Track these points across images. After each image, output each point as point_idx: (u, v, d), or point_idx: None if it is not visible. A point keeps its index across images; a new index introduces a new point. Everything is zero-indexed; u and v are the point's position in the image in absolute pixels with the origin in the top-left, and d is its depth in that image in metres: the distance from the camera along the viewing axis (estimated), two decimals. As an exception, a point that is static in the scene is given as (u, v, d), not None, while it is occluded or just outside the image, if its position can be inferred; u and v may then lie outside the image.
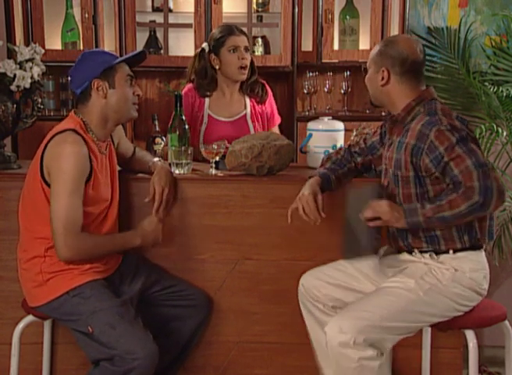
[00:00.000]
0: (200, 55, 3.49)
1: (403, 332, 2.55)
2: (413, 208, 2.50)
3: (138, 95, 2.82)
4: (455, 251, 2.55)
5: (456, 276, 2.53)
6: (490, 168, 2.44)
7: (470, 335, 2.67)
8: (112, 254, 2.83)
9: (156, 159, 2.97)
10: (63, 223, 2.60)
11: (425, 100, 2.61)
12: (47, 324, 2.93)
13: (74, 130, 2.68)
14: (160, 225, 2.84)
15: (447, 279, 2.53)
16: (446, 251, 2.55)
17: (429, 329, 2.88)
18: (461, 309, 2.59)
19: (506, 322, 2.76)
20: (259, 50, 4.32)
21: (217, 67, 3.46)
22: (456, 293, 2.54)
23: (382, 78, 2.63)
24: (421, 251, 2.60)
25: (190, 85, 3.53)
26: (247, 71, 3.47)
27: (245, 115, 3.53)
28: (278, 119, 3.68)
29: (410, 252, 2.63)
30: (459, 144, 2.44)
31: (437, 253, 2.57)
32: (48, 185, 2.66)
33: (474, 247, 2.57)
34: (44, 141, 2.70)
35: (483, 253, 2.61)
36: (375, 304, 2.51)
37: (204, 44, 3.51)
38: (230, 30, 3.47)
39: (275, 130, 3.64)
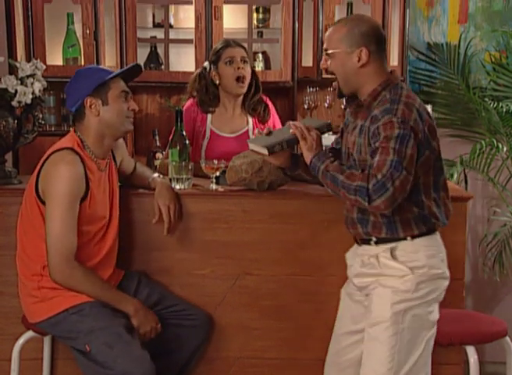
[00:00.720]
0: (201, 74, 3.49)
1: (424, 368, 2.56)
2: (326, 155, 2.51)
3: (133, 110, 2.81)
4: (413, 238, 2.51)
5: (416, 277, 2.48)
6: (403, 176, 2.33)
7: (471, 351, 2.66)
8: (113, 269, 2.83)
9: (155, 175, 2.97)
10: (56, 246, 2.60)
11: (391, 85, 2.51)
12: (47, 340, 2.92)
13: (72, 149, 2.68)
14: (157, 322, 2.76)
15: (409, 288, 2.48)
16: (404, 238, 2.51)
17: (430, 345, 2.87)
18: (436, 299, 2.54)
19: (507, 338, 2.76)
20: (259, 65, 4.34)
21: (217, 82, 3.47)
22: (423, 294, 2.50)
23: (359, 59, 2.48)
24: (377, 242, 2.54)
25: (191, 100, 3.53)
26: (245, 84, 3.45)
27: (247, 131, 3.52)
28: None
29: (368, 242, 2.57)
30: (397, 138, 2.35)
31: (395, 240, 2.52)
32: (43, 203, 2.66)
33: (430, 231, 2.53)
34: (43, 158, 2.70)
35: (438, 235, 2.56)
36: (382, 363, 2.49)
37: (206, 63, 3.52)
38: (226, 42, 3.48)
39: None
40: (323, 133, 2.64)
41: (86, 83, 2.73)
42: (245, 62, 3.44)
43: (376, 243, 2.54)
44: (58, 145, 2.72)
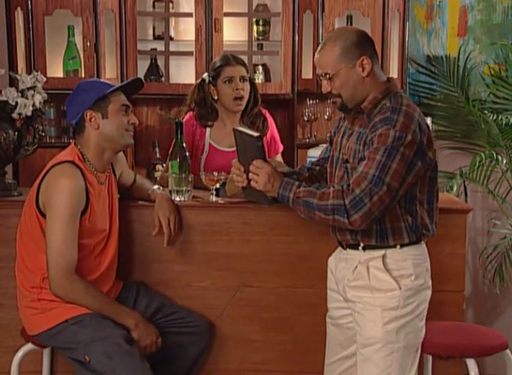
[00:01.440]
0: (200, 86, 3.48)
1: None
2: (290, 182, 2.46)
3: (134, 124, 2.80)
4: (401, 246, 2.49)
5: (402, 292, 2.47)
6: (383, 192, 2.33)
7: (471, 364, 2.65)
8: (113, 282, 2.82)
9: (155, 187, 2.97)
10: (57, 259, 2.60)
11: (391, 93, 2.49)
12: (46, 352, 2.91)
13: (72, 162, 2.69)
14: (157, 336, 2.74)
15: (397, 304, 2.47)
16: (393, 246, 2.49)
17: (430, 358, 2.87)
18: (424, 311, 2.54)
19: (508, 351, 2.75)
20: (259, 78, 4.34)
21: (215, 97, 3.46)
22: (413, 308, 2.49)
23: (363, 69, 2.45)
24: (365, 247, 2.51)
25: (190, 114, 3.52)
26: (243, 102, 3.42)
27: (247, 145, 3.51)
28: (280, 148, 3.66)
29: (355, 247, 2.54)
30: (385, 151, 2.34)
31: (383, 248, 2.49)
32: (43, 216, 2.66)
33: (418, 240, 2.52)
34: (43, 171, 2.70)
35: (423, 245, 2.56)
36: None
37: (205, 75, 3.51)
38: (226, 60, 3.44)
39: (278, 158, 3.62)
40: (259, 143, 2.51)
41: (86, 97, 2.73)
42: (244, 80, 3.42)
43: (364, 249, 2.53)
44: (58, 158, 2.72)
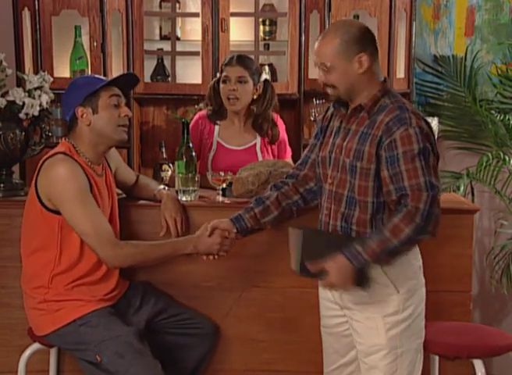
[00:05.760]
0: (214, 83, 3.49)
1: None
2: (353, 252, 2.35)
3: (127, 116, 2.76)
4: None
5: (400, 296, 2.45)
6: (439, 191, 2.36)
7: (478, 365, 2.64)
8: (118, 277, 2.80)
9: (161, 187, 2.97)
10: (94, 238, 2.60)
11: (389, 92, 2.47)
12: (53, 352, 2.91)
13: (63, 153, 2.67)
14: (222, 239, 2.71)
15: (396, 308, 2.45)
16: None
17: (437, 358, 2.86)
18: (423, 312, 2.53)
19: (515, 351, 2.74)
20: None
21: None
22: (412, 310, 2.46)
23: (360, 65, 2.41)
24: None
25: (201, 112, 3.53)
26: (238, 102, 3.40)
27: (255, 144, 3.50)
28: (289, 152, 3.65)
29: None
30: (419, 156, 2.34)
31: None
32: (50, 210, 2.65)
33: None
34: (36, 170, 2.68)
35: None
36: None
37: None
38: (228, 60, 3.44)
39: (289, 161, 3.57)
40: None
41: (77, 93, 2.73)
42: (241, 82, 3.39)
43: None
44: (49, 154, 2.71)
